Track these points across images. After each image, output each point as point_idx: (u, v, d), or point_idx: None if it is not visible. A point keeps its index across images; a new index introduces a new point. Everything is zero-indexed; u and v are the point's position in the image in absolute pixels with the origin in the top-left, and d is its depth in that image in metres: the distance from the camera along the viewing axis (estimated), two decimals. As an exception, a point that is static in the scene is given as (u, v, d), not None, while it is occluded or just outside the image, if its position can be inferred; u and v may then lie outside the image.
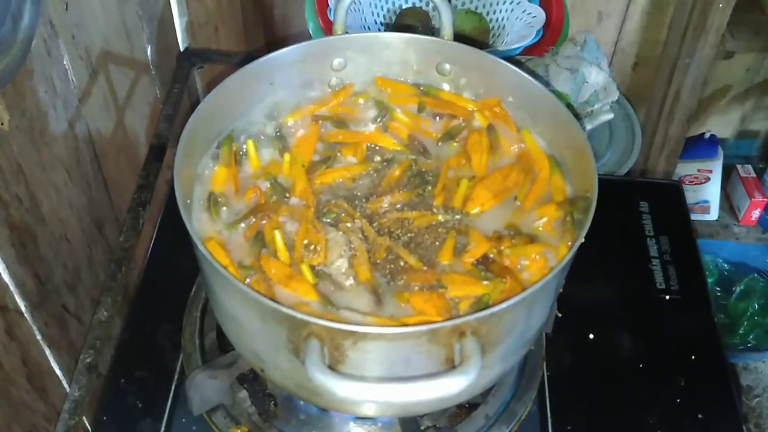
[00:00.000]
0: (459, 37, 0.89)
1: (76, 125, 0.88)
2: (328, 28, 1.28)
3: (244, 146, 0.84)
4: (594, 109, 1.36)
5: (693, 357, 0.93)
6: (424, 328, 0.62)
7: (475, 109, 0.89)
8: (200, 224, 0.76)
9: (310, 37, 1.29)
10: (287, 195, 0.80)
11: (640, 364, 0.92)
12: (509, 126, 0.87)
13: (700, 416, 0.88)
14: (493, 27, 1.36)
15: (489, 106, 0.89)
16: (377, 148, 0.87)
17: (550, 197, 0.81)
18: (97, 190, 0.96)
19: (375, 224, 0.78)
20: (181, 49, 1.24)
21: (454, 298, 0.72)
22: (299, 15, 1.49)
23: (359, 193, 0.82)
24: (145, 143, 1.10)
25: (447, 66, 0.90)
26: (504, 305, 0.63)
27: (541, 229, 0.78)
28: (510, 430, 0.85)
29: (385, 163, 0.85)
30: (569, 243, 0.75)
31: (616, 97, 1.35)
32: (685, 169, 1.69)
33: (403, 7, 1.37)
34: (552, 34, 1.33)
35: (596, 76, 1.34)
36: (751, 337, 1.77)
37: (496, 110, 0.88)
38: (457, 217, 0.79)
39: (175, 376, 0.89)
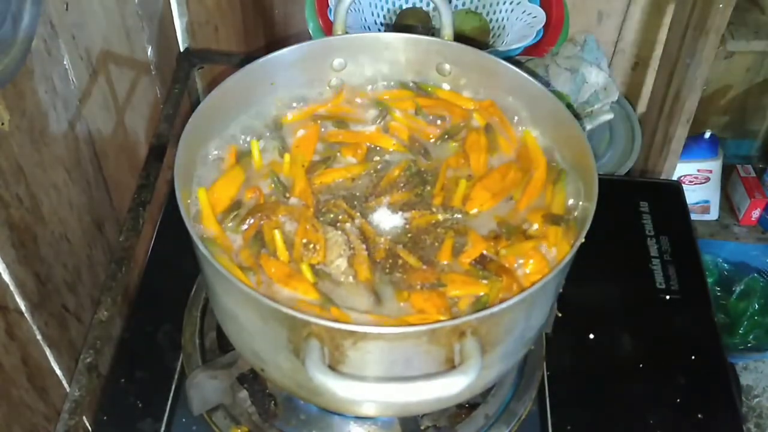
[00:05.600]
0: (459, 37, 0.89)
1: (77, 125, 0.88)
2: (328, 28, 1.28)
3: (245, 146, 0.84)
4: (594, 109, 1.36)
5: (693, 357, 0.93)
6: (424, 327, 0.62)
7: (473, 108, 0.89)
8: (204, 224, 0.76)
9: (310, 37, 1.29)
10: (287, 194, 0.81)
11: (640, 364, 0.92)
12: (505, 126, 0.87)
13: (700, 416, 0.88)
14: (493, 27, 1.36)
15: (483, 107, 0.89)
16: (377, 148, 0.87)
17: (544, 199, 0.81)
18: (97, 190, 0.96)
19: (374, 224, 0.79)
20: (181, 49, 1.24)
21: (453, 298, 0.72)
22: (299, 15, 1.49)
23: (358, 193, 0.82)
24: (145, 143, 1.10)
25: (447, 66, 0.90)
26: (504, 305, 0.63)
27: (535, 229, 0.78)
28: (510, 430, 0.85)
29: (384, 164, 0.85)
30: (570, 242, 0.75)
31: (616, 98, 1.36)
32: (685, 169, 1.69)
33: (403, 7, 1.37)
34: (552, 34, 1.34)
35: (596, 77, 1.34)
36: (751, 337, 1.77)
37: (490, 111, 0.88)
38: (457, 216, 0.79)
39: (175, 376, 0.89)
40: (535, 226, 0.77)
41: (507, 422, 0.85)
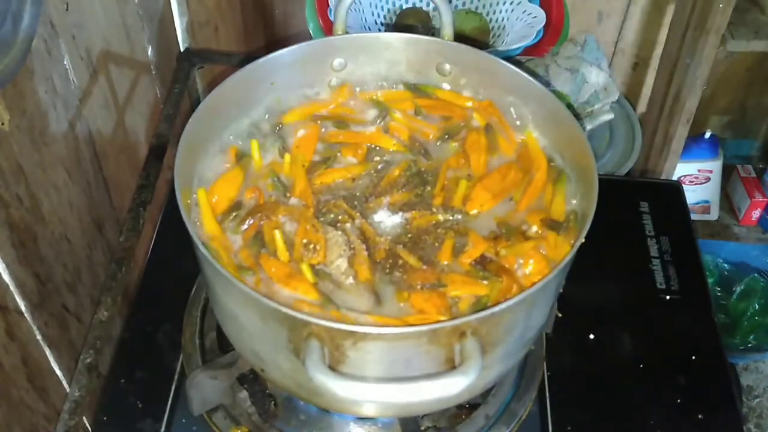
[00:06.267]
0: (459, 37, 0.89)
1: (77, 125, 0.88)
2: (328, 28, 1.28)
3: (246, 146, 0.84)
4: (594, 109, 1.36)
5: (693, 357, 0.93)
6: (424, 328, 0.62)
7: (472, 108, 0.89)
8: (204, 224, 0.76)
9: (310, 37, 1.29)
10: (287, 194, 0.81)
11: (640, 364, 0.92)
12: (505, 126, 0.87)
13: (700, 416, 0.88)
14: (493, 27, 1.36)
15: (482, 107, 0.89)
16: (378, 148, 0.87)
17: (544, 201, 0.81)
18: (97, 190, 0.96)
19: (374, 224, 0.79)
20: (182, 49, 1.24)
21: (453, 298, 0.72)
22: (299, 15, 1.49)
23: (359, 193, 0.82)
24: (145, 143, 1.10)
25: (447, 66, 0.90)
26: (504, 305, 0.63)
27: (534, 231, 0.78)
28: (510, 430, 0.85)
29: (384, 164, 0.85)
30: (570, 242, 0.75)
31: (616, 98, 1.36)
32: (685, 169, 1.69)
33: (403, 7, 1.37)
34: (552, 34, 1.33)
35: (596, 77, 1.34)
36: (751, 337, 1.77)
37: (490, 111, 0.88)
38: (458, 216, 0.79)
39: (175, 376, 0.89)
40: (534, 228, 0.77)
41: (507, 422, 0.85)
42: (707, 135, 1.69)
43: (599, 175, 0.73)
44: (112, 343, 0.97)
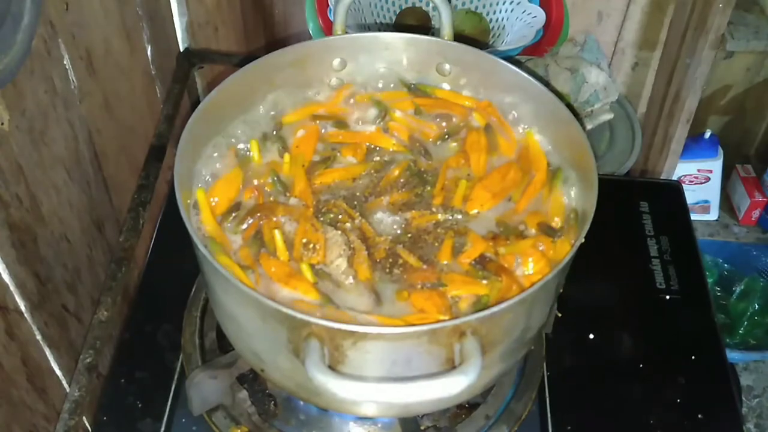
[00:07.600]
0: (459, 37, 0.89)
1: (76, 125, 0.88)
2: (328, 28, 1.28)
3: (245, 146, 0.84)
4: (594, 109, 1.36)
5: (693, 357, 0.93)
6: (424, 328, 0.62)
7: (472, 107, 0.89)
8: (204, 224, 0.76)
9: (310, 37, 1.29)
10: (287, 194, 0.81)
11: (640, 364, 0.92)
12: (504, 126, 0.87)
13: (700, 416, 0.88)
14: (493, 27, 1.36)
15: (482, 107, 0.89)
16: (377, 148, 0.87)
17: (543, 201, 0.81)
18: (97, 190, 0.96)
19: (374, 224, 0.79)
20: (181, 49, 1.24)
21: (453, 297, 0.72)
22: (299, 15, 1.50)
23: (358, 193, 0.82)
24: (145, 143, 1.10)
25: (447, 66, 0.90)
26: (504, 305, 0.63)
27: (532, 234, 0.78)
28: (510, 430, 0.85)
29: (384, 164, 0.85)
30: (570, 242, 0.75)
31: (616, 97, 1.36)
32: (685, 169, 1.69)
33: (403, 7, 1.37)
34: (552, 34, 1.34)
35: (596, 76, 1.34)
36: (751, 337, 1.77)
37: (489, 111, 0.88)
38: (458, 216, 0.79)
39: (175, 376, 0.89)
40: (533, 231, 0.77)
41: (507, 422, 0.85)
42: (707, 135, 1.69)
43: (599, 175, 0.73)
44: (112, 343, 0.97)
